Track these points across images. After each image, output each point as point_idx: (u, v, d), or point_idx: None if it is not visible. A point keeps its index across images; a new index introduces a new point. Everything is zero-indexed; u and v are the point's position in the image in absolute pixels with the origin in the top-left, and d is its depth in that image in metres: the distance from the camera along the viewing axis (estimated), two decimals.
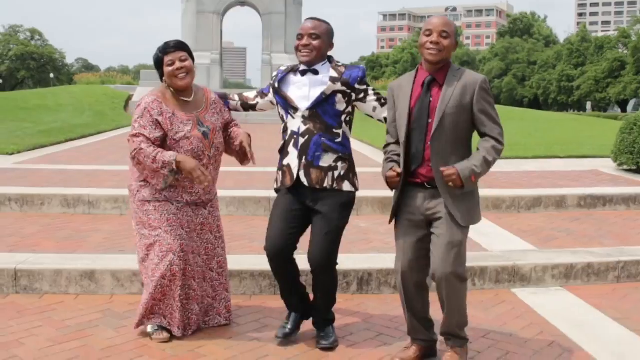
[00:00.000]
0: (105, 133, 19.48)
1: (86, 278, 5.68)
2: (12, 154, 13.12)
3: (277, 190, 4.77)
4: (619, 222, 8.29)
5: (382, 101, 4.70)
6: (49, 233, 7.20)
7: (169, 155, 4.50)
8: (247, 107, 5.08)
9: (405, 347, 4.48)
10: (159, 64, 4.73)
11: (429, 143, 4.14)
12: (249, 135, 4.84)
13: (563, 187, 9.63)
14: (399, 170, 4.22)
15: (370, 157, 13.38)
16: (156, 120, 4.60)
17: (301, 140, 4.54)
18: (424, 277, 4.34)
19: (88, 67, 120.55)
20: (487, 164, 4.11)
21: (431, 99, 4.16)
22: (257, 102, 5.03)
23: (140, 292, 5.60)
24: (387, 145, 4.46)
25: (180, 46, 4.75)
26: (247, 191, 8.56)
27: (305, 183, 4.53)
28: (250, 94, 5.10)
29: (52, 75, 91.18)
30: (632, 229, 7.85)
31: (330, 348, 4.59)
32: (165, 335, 4.69)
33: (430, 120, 4.14)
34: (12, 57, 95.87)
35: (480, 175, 4.11)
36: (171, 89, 4.75)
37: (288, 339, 4.71)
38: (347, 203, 4.63)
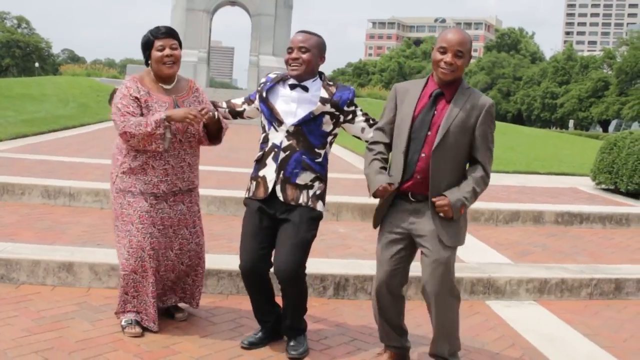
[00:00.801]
0: (88, 125, 19.42)
1: (64, 270, 5.68)
2: None
3: (246, 201, 4.70)
4: (595, 240, 8.39)
5: (371, 122, 4.67)
6: (28, 223, 7.18)
7: (157, 115, 4.48)
8: (235, 113, 5.01)
9: (378, 353, 4.51)
10: (147, 46, 4.68)
11: (423, 155, 4.10)
12: (215, 113, 4.75)
13: (541, 203, 9.73)
14: (395, 186, 4.16)
15: (352, 164, 13.45)
16: (135, 97, 4.60)
17: (282, 155, 4.50)
18: (400, 288, 4.35)
19: (74, 59, 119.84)
20: (475, 196, 4.15)
21: (435, 113, 4.12)
22: (244, 109, 4.95)
23: (117, 286, 5.61)
24: (375, 143, 4.38)
25: (173, 33, 4.72)
26: (228, 191, 8.58)
27: (281, 198, 4.49)
28: (237, 101, 5.03)
29: (37, 65, 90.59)
30: (607, 248, 7.95)
31: (299, 358, 4.56)
32: (138, 330, 4.70)
33: (429, 133, 4.11)
34: None
35: (468, 206, 4.14)
36: (152, 74, 4.72)
37: (252, 347, 4.67)
38: (316, 218, 4.58)
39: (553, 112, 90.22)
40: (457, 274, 5.88)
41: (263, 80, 4.81)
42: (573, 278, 6.29)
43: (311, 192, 4.53)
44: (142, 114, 4.59)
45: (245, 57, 34.85)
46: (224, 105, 5.04)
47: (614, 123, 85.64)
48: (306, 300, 4.70)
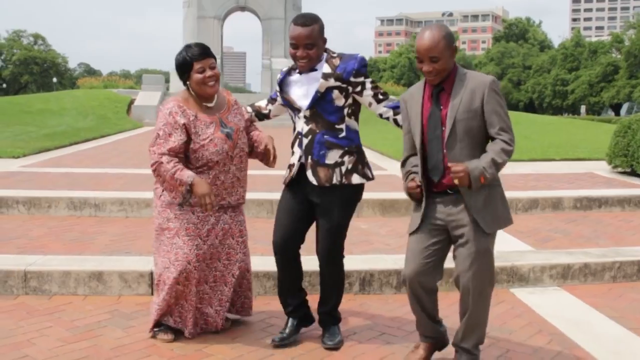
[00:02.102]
0: (108, 137, 19.61)
1: (94, 279, 5.78)
2: (18, 157, 13.29)
3: (285, 183, 4.81)
4: (614, 223, 8.41)
5: (380, 96, 4.67)
6: (57, 235, 7.30)
7: (186, 176, 4.45)
8: (262, 116, 5.08)
9: (415, 346, 4.46)
10: (185, 68, 4.62)
11: (445, 151, 4.07)
12: (272, 138, 4.84)
13: (559, 190, 9.76)
14: (419, 181, 4.16)
15: (374, 162, 13.48)
16: (183, 124, 4.54)
17: (305, 141, 4.60)
18: (433, 281, 4.27)
19: (90, 72, 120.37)
20: (496, 166, 3.95)
21: (442, 108, 4.09)
22: (270, 110, 5.04)
23: (147, 293, 5.74)
24: (405, 159, 4.38)
25: (208, 52, 4.66)
26: (249, 193, 8.63)
27: (315, 182, 4.56)
28: (262, 103, 5.10)
29: (54, 80, 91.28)
30: (627, 230, 7.97)
31: (335, 348, 4.66)
32: (170, 336, 4.75)
33: (444, 129, 4.08)
34: (16, 62, 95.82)
35: (490, 177, 3.92)
36: (193, 94, 4.69)
37: (284, 343, 4.73)
38: (350, 198, 4.67)
39: (564, 99, 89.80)
40: None
41: (279, 76, 4.87)
42: (596, 262, 6.32)
43: (343, 169, 4.59)
44: (187, 140, 4.57)
45: (256, 61, 35.01)
46: (250, 109, 5.10)
47: (625, 106, 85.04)
48: (342, 286, 4.84)
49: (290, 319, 4.86)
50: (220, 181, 4.68)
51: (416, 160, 4.25)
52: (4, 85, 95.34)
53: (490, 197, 4.08)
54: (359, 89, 4.61)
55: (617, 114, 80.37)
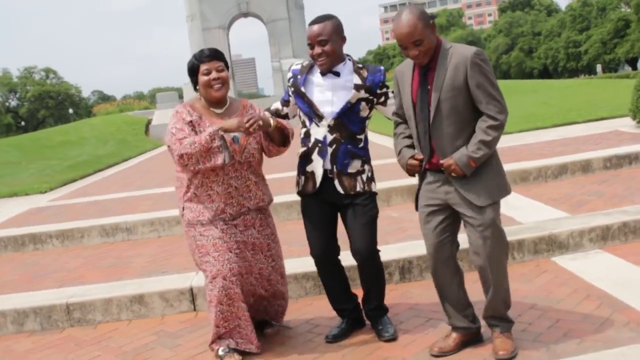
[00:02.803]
0: (130, 160, 19.73)
1: (136, 302, 5.79)
2: (45, 191, 13.40)
3: (300, 194, 4.79)
4: None
5: None
6: (93, 264, 7.34)
7: (211, 128, 4.40)
8: (281, 118, 4.95)
9: (446, 335, 4.44)
10: (193, 71, 4.59)
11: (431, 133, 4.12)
12: (269, 119, 4.62)
13: (587, 152, 9.61)
14: (421, 157, 4.21)
15: (392, 148, 13.40)
16: (189, 121, 4.50)
17: (329, 150, 4.56)
18: (452, 260, 4.34)
19: (104, 98, 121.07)
20: (486, 145, 3.99)
21: (429, 87, 4.09)
22: (287, 113, 4.97)
23: (189, 309, 5.77)
24: (397, 126, 4.47)
25: (218, 55, 4.59)
26: (277, 197, 8.58)
27: (341, 191, 4.57)
28: (277, 106, 5.01)
29: (70, 111, 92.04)
30: None
31: (394, 338, 4.65)
32: (237, 357, 4.60)
33: (430, 110, 4.10)
34: (31, 98, 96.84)
35: (480, 158, 4.00)
36: (203, 100, 4.64)
37: (337, 340, 4.75)
38: (372, 197, 4.68)
39: (578, 61, 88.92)
40: (519, 236, 5.99)
41: (290, 75, 4.79)
42: (635, 219, 6.22)
43: (364, 177, 4.61)
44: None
45: (266, 65, 35.23)
46: (269, 115, 5.01)
47: None
48: (384, 277, 4.84)
49: (345, 320, 4.88)
50: (233, 187, 4.59)
51: (407, 130, 4.34)
52: (23, 123, 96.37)
53: (479, 171, 4.08)
54: (382, 99, 4.66)
55: (634, 68, 79.49)
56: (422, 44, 4.00)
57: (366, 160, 4.67)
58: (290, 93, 4.82)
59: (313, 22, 4.52)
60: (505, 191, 4.22)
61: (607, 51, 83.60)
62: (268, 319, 5.04)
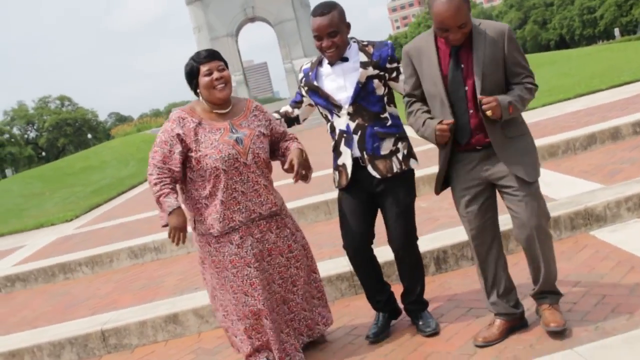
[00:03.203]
0: None
1: (170, 322, 5.71)
2: (71, 219, 13.38)
3: (338, 188, 4.68)
4: None
5: None
6: (124, 287, 7.29)
7: (167, 204, 4.22)
8: (291, 121, 4.90)
9: (489, 324, 4.31)
10: (193, 74, 4.40)
11: (471, 111, 3.99)
12: (302, 151, 4.50)
13: (614, 119, 9.39)
14: (450, 121, 4.00)
15: (413, 136, 13.23)
16: (177, 134, 4.28)
17: (355, 138, 4.44)
18: (497, 242, 4.24)
19: (121, 119, 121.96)
20: (522, 100, 3.95)
21: (463, 67, 3.97)
22: (298, 114, 4.87)
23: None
24: (411, 104, 4.28)
25: (216, 55, 4.44)
26: (303, 200, 8.53)
27: (377, 175, 4.44)
28: (287, 108, 4.91)
29: (89, 136, 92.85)
30: None
31: (436, 333, 4.52)
32: None
33: (467, 89, 3.98)
34: (49, 128, 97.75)
35: (516, 109, 3.92)
36: (204, 102, 4.44)
37: (378, 337, 4.64)
38: (412, 180, 4.58)
39: (595, 27, 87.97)
40: (553, 213, 5.84)
41: (301, 75, 4.69)
42: None
43: (400, 155, 4.49)
44: (183, 151, 4.30)
45: (279, 68, 35.14)
46: (277, 116, 4.91)
47: None
48: (423, 269, 4.73)
49: (381, 314, 4.76)
50: (239, 192, 4.35)
51: (425, 107, 4.20)
52: (44, 154, 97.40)
53: (522, 147, 4.05)
54: (394, 74, 4.50)
55: None
56: (466, 26, 3.89)
57: (400, 137, 4.53)
58: (304, 93, 4.71)
59: (317, 14, 4.38)
60: (539, 167, 4.16)
61: (623, 14, 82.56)
62: (315, 334, 4.78)
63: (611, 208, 5.92)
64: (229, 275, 4.37)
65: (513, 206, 4.05)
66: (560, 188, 6.80)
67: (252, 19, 35.55)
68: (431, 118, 4.12)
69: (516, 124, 4.05)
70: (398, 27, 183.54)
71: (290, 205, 8.32)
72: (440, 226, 6.53)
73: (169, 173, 4.27)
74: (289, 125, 4.93)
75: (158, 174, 4.26)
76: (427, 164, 8.38)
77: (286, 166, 4.46)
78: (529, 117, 9.37)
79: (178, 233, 4.26)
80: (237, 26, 34.83)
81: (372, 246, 4.69)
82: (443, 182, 4.29)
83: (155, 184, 4.26)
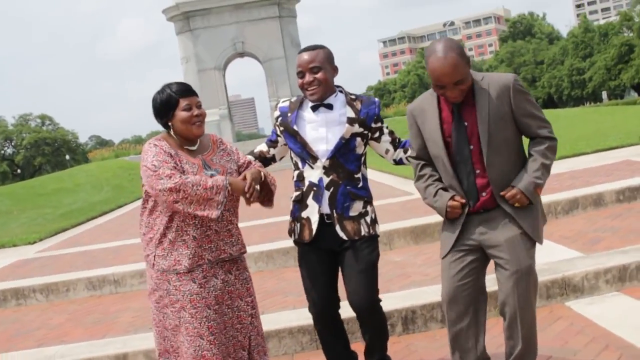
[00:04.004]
0: (125, 206, 19.44)
1: None
2: (34, 242, 12.98)
3: (296, 242, 4.44)
4: None
5: (397, 142, 4.42)
6: (77, 320, 6.97)
7: (221, 179, 3.95)
8: (267, 161, 4.62)
9: None
10: (170, 106, 4.12)
11: (478, 171, 3.80)
12: (259, 172, 4.19)
13: (598, 184, 9.23)
14: (463, 200, 3.84)
15: (395, 187, 13.08)
16: (169, 154, 4.03)
17: (327, 194, 4.21)
18: (472, 307, 3.94)
19: (102, 143, 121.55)
20: (547, 169, 3.81)
21: (466, 125, 3.78)
22: (274, 154, 4.60)
23: None
24: (421, 168, 4.05)
25: (193, 91, 4.20)
26: (273, 243, 8.28)
27: (344, 236, 4.21)
28: (263, 147, 4.64)
29: (67, 157, 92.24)
30: None
31: None
32: None
33: (472, 147, 3.78)
34: (27, 146, 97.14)
35: (543, 184, 3.81)
36: (175, 136, 4.17)
37: None
38: (372, 239, 4.32)
39: (583, 88, 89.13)
40: None
41: (277, 113, 4.44)
42: None
43: (368, 219, 4.26)
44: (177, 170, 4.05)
45: (266, 105, 35.09)
46: (252, 158, 4.61)
47: None
48: (387, 326, 4.49)
49: None
50: (213, 230, 4.10)
51: (436, 173, 3.98)
52: (19, 171, 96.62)
53: (533, 205, 3.87)
54: (377, 134, 4.35)
55: None
56: (463, 83, 3.69)
57: (368, 200, 4.32)
58: (279, 133, 4.46)
59: (302, 50, 4.28)
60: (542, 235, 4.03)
61: (612, 77, 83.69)
62: None
63: (589, 279, 5.69)
64: (185, 316, 4.06)
65: (501, 279, 3.81)
66: (538, 252, 6.49)
67: (242, 54, 35.65)
68: (444, 188, 3.93)
69: None
70: (388, 74, 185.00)
71: (259, 248, 8.12)
72: (413, 283, 6.28)
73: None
74: (265, 165, 4.61)
75: (173, 172, 3.94)
76: (404, 217, 8.18)
77: (239, 178, 4.13)
78: None
79: (252, 186, 3.99)
80: (225, 60, 34.87)
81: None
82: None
83: (191, 177, 3.93)
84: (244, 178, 4.08)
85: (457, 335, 3.96)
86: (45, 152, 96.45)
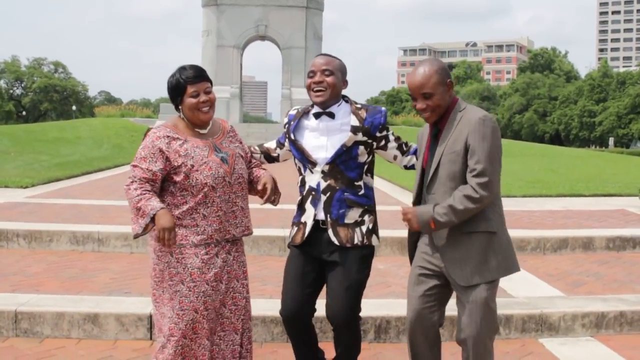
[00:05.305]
0: (122, 166, 19.41)
1: (89, 322, 5.44)
2: (26, 187, 13.00)
3: (289, 246, 4.45)
4: None
5: (404, 148, 4.41)
6: (55, 272, 6.96)
7: (150, 207, 4.03)
8: (270, 159, 4.69)
9: None
10: (179, 91, 4.22)
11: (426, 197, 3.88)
12: (273, 178, 4.38)
13: (590, 228, 9.26)
14: (408, 208, 3.94)
15: (390, 195, 13.09)
16: (159, 149, 4.13)
17: (323, 198, 4.21)
18: (433, 330, 3.98)
19: (110, 100, 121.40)
20: (455, 213, 3.68)
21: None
22: (279, 154, 4.65)
23: (145, 337, 5.39)
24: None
25: (204, 75, 4.27)
26: (261, 229, 8.26)
27: (336, 242, 4.19)
28: (271, 144, 4.70)
29: (74, 108, 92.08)
30: None
31: None
32: None
33: None
34: (36, 89, 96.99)
35: (443, 224, 3.71)
36: (185, 120, 4.28)
37: None
38: (367, 255, 4.30)
39: (592, 131, 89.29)
40: (507, 311, 5.60)
41: (286, 120, 4.50)
42: (632, 310, 5.83)
43: (364, 228, 4.23)
44: (163, 168, 4.14)
45: (278, 91, 34.98)
46: (258, 150, 4.69)
47: None
48: (360, 342, 4.44)
49: None
50: (223, 212, 4.20)
51: None
52: (24, 113, 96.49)
53: (477, 245, 3.77)
54: (382, 143, 4.34)
55: None
56: (431, 98, 3.75)
57: (368, 209, 4.29)
58: (285, 137, 4.52)
59: (320, 55, 4.37)
60: (507, 270, 3.86)
61: (621, 125, 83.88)
62: None
63: (566, 320, 5.71)
64: (183, 289, 4.13)
65: (458, 306, 3.85)
66: (520, 286, 6.58)
67: (263, 38, 35.59)
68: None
69: (478, 219, 3.77)
70: (403, 82, 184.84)
71: None
72: (391, 294, 6.29)
73: (149, 186, 4.11)
74: (269, 162, 4.72)
75: (139, 184, 4.10)
76: (394, 226, 8.17)
77: (259, 187, 4.31)
78: (507, 204, 9.25)
79: (168, 233, 4.01)
80: (246, 40, 34.82)
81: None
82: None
83: (135, 190, 4.07)
84: (265, 186, 4.29)
85: (418, 354, 4.04)
86: (53, 99, 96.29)
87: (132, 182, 4.12)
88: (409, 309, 3.98)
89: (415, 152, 4.39)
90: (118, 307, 5.59)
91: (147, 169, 4.12)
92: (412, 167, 4.41)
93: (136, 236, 4.07)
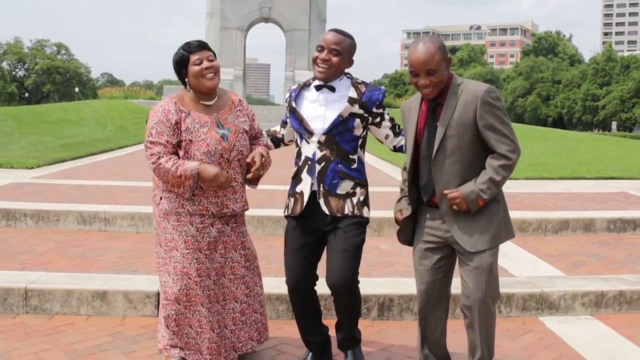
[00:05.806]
0: (126, 148, 19.49)
1: (98, 299, 5.52)
2: (32, 167, 13.08)
3: (287, 217, 4.53)
4: None
5: (397, 129, 4.51)
6: (63, 250, 7.05)
7: (190, 169, 4.16)
8: (277, 141, 4.81)
9: None
10: (182, 63, 4.34)
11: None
12: (262, 154, 4.46)
13: (591, 210, 9.34)
14: (406, 215, 4.10)
15: (392, 176, 13.15)
16: (175, 122, 4.26)
17: (317, 167, 4.30)
18: (443, 303, 4.11)
19: (113, 82, 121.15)
20: (495, 185, 3.82)
21: (437, 124, 3.91)
22: (283, 135, 4.76)
23: (153, 314, 5.48)
24: (403, 168, 4.26)
25: (207, 46, 4.39)
26: (265, 210, 8.35)
27: (327, 212, 4.29)
28: (277, 127, 4.83)
29: (77, 90, 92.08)
30: None
31: None
32: None
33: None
34: (38, 71, 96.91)
35: (488, 198, 3.83)
36: (191, 92, 4.39)
37: None
38: (363, 223, 4.40)
39: (595, 115, 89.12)
40: (508, 290, 5.70)
41: (287, 95, 4.59)
42: (632, 290, 5.91)
43: (355, 200, 4.33)
44: (179, 141, 4.28)
45: (281, 73, 35.03)
46: (265, 135, 4.80)
47: None
48: (360, 307, 4.56)
49: (311, 353, 4.60)
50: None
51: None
52: (26, 95, 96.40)
53: (480, 214, 3.91)
54: (377, 120, 4.43)
55: None
56: (435, 74, 3.82)
57: (360, 183, 4.39)
58: (287, 113, 4.59)
59: (332, 30, 4.36)
60: (507, 236, 4.01)
61: (624, 109, 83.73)
62: (259, 341, 4.68)
63: (566, 299, 5.79)
64: (177, 255, 4.30)
65: (463, 274, 3.95)
66: (521, 265, 6.68)
67: (267, 20, 35.57)
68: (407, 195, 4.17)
69: None
70: (406, 65, 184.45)
71: (252, 212, 8.14)
72: (394, 272, 6.38)
73: (170, 147, 4.26)
74: (276, 146, 4.84)
75: (167, 157, 4.23)
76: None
77: (248, 159, 4.42)
78: (509, 186, 9.37)
79: (221, 176, 4.20)
80: (249, 22, 34.81)
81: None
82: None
83: (167, 162, 4.21)
84: (253, 159, 4.39)
85: (426, 325, 4.15)
86: (56, 80, 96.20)
87: (158, 158, 4.22)
88: (419, 282, 4.08)
89: (403, 135, 4.46)
90: (126, 284, 5.67)
91: (167, 142, 4.24)
92: (400, 148, 4.51)
93: (190, 197, 4.24)
